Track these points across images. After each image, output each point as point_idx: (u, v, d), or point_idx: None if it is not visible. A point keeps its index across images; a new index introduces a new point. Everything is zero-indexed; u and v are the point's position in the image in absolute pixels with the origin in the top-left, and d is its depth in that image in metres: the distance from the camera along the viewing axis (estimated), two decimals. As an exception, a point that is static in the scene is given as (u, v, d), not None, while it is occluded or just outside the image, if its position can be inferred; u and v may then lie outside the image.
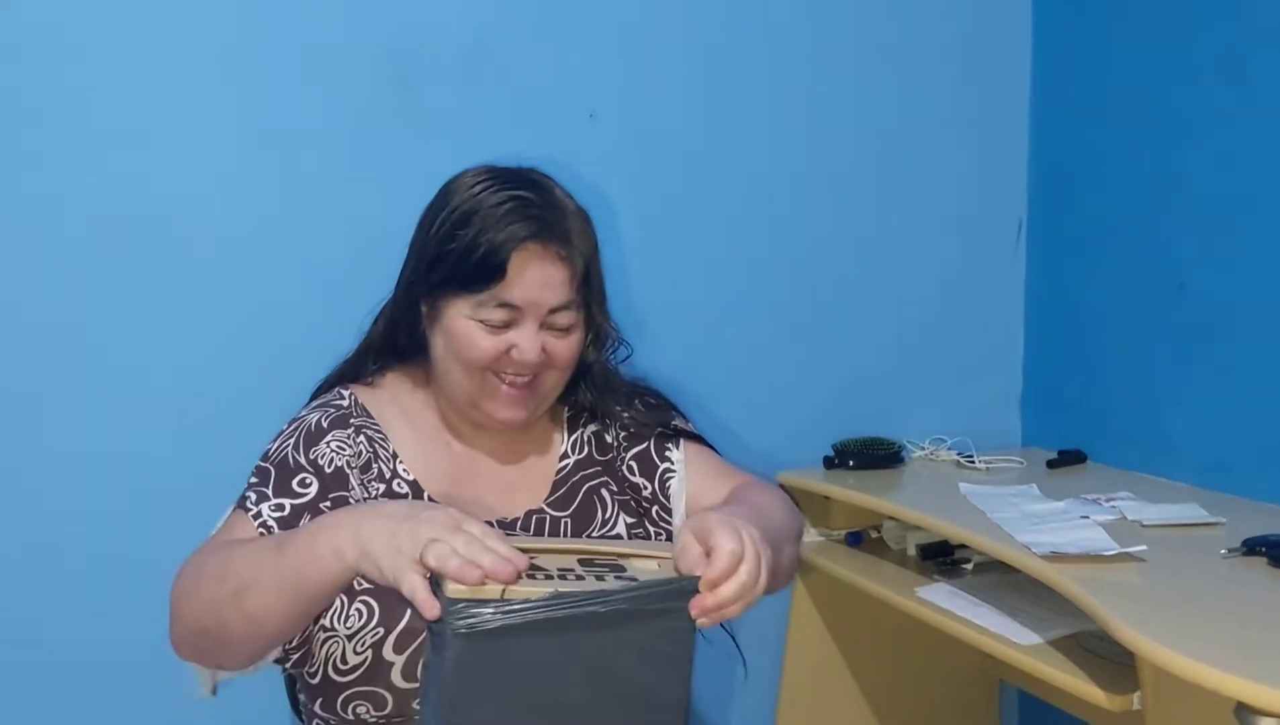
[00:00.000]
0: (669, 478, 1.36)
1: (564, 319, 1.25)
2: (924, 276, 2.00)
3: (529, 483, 1.33)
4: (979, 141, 2.02)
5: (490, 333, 1.22)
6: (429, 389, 1.33)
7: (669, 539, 1.33)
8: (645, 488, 1.35)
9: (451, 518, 0.95)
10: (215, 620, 1.08)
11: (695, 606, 0.94)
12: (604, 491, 1.34)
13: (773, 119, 1.88)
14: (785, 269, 1.91)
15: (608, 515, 1.33)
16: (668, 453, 1.37)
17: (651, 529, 1.34)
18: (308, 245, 1.64)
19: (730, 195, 1.86)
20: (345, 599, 1.17)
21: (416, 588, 0.90)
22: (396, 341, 1.33)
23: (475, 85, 1.70)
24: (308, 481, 1.21)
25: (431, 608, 0.89)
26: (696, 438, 1.41)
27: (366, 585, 1.16)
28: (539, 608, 0.89)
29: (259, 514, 1.18)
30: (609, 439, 1.38)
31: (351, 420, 1.27)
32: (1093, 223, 1.93)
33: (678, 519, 1.34)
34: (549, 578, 0.94)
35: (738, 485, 1.35)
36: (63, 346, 1.55)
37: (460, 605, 0.88)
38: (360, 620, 1.16)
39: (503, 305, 1.21)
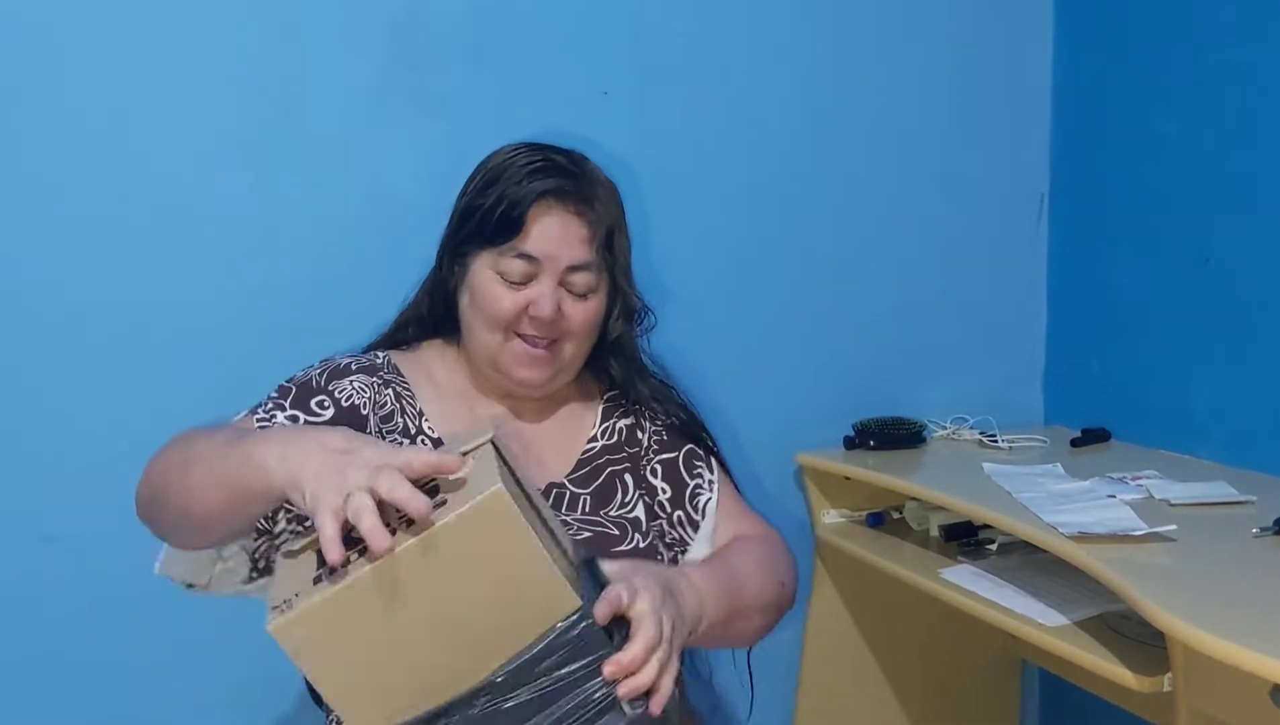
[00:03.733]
0: (699, 493, 1.38)
1: (582, 280, 1.27)
2: (945, 253, 1.98)
3: (553, 456, 1.34)
4: (999, 115, 1.99)
5: (510, 288, 1.25)
6: (460, 354, 1.36)
7: (679, 542, 1.35)
8: (664, 492, 1.37)
9: (381, 456, 0.94)
10: (162, 483, 1.10)
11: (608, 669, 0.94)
12: (627, 477, 1.35)
13: (790, 95, 1.85)
14: (805, 246, 1.89)
15: (627, 498, 1.34)
16: (698, 469, 1.39)
17: (666, 528, 1.35)
18: (316, 227, 1.62)
19: (747, 173, 1.84)
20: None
21: (326, 529, 0.88)
22: (433, 312, 1.37)
23: (485, 63, 1.68)
24: (326, 404, 1.22)
25: (335, 552, 0.88)
26: (721, 461, 1.43)
27: None
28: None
29: (269, 416, 1.20)
30: (640, 436, 1.39)
31: (381, 373, 1.30)
32: (1116, 197, 1.90)
33: (704, 534, 1.36)
34: None
35: (741, 536, 1.36)
36: (73, 333, 1.54)
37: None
38: None
39: (520, 256, 1.24)
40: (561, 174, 1.27)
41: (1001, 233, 2.02)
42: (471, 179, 1.32)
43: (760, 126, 1.84)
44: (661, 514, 1.36)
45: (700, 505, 1.37)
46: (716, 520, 1.38)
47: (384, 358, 1.33)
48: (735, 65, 1.82)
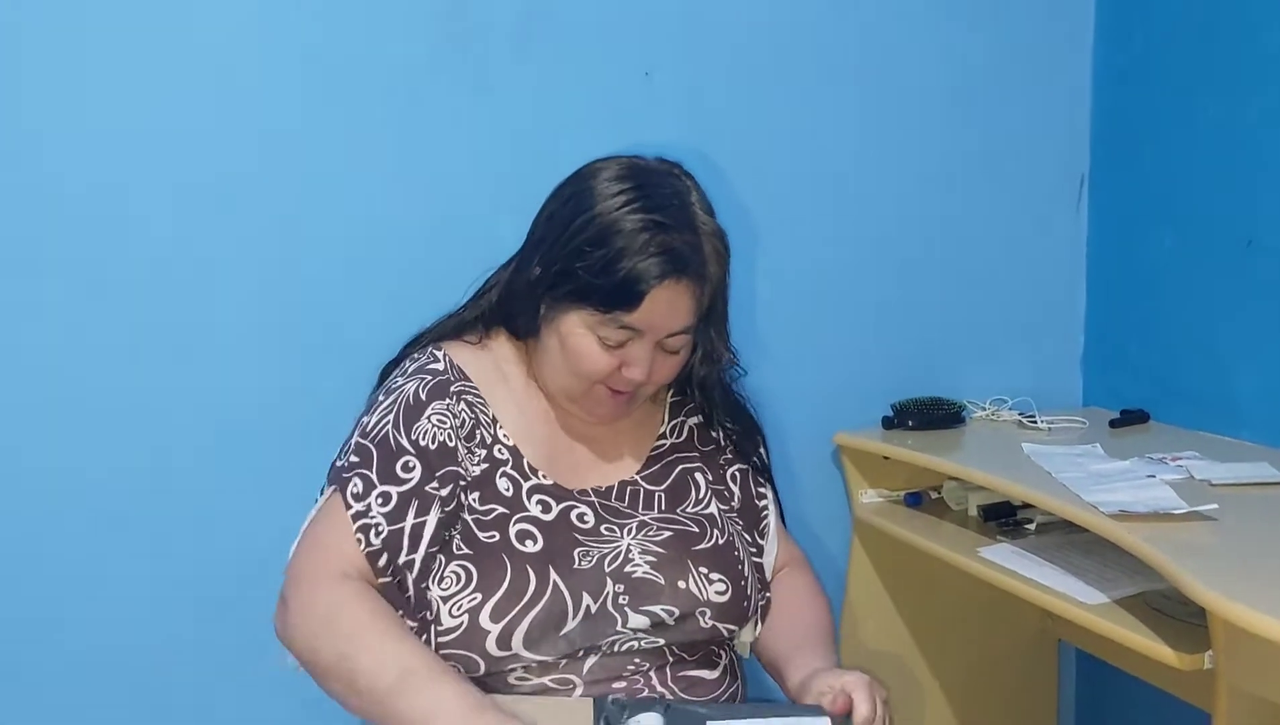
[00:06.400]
0: (765, 516, 1.41)
1: (677, 342, 1.27)
2: (984, 234, 1.97)
3: (624, 455, 1.35)
4: (1040, 95, 1.98)
5: (606, 350, 1.24)
6: (530, 362, 1.35)
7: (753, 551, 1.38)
8: (736, 500, 1.39)
9: None
10: (320, 675, 1.14)
11: None
12: (698, 475, 1.37)
13: (831, 76, 1.85)
14: (845, 227, 1.89)
15: (701, 495, 1.35)
16: (762, 489, 1.42)
17: (741, 531, 1.38)
18: (364, 206, 1.64)
19: (789, 154, 1.84)
20: (444, 559, 1.18)
21: None
22: (510, 316, 1.34)
23: (530, 44, 1.69)
24: (411, 465, 1.20)
25: None
26: (771, 478, 1.46)
27: (465, 550, 1.18)
28: None
29: (366, 512, 1.17)
30: (713, 434, 1.41)
31: (451, 387, 1.27)
32: (1157, 178, 1.89)
33: (769, 558, 1.40)
34: None
35: (786, 569, 1.42)
36: (141, 317, 1.56)
37: None
38: (457, 584, 1.17)
39: (625, 327, 1.23)
40: (676, 248, 1.22)
41: (1041, 214, 2.01)
42: (570, 215, 1.25)
43: (801, 108, 1.84)
44: (733, 511, 1.38)
45: (764, 528, 1.40)
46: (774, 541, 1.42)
47: (444, 359, 1.30)
48: (776, 47, 1.82)
